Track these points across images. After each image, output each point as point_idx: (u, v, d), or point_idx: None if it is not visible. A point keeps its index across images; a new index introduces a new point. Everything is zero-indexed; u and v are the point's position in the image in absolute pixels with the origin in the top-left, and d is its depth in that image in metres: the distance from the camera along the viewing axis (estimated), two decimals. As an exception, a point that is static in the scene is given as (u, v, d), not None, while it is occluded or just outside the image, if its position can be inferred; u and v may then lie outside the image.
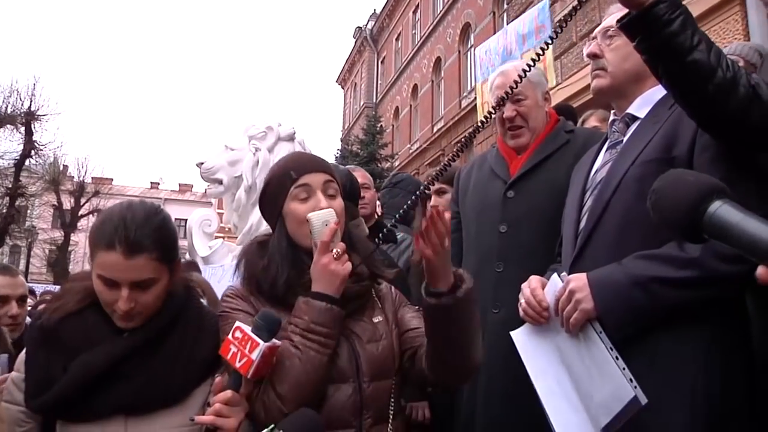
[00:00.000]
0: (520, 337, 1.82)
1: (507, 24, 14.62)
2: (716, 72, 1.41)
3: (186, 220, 4.99)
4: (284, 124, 4.45)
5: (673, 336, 1.52)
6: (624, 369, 1.47)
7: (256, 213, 4.09)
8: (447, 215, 1.48)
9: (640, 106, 1.80)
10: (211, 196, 4.58)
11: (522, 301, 1.79)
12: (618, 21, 1.51)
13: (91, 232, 1.54)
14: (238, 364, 1.35)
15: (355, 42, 30.65)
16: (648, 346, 1.53)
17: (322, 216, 1.56)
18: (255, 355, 1.34)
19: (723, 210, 0.89)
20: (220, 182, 4.42)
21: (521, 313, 1.79)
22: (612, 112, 1.92)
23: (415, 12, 24.05)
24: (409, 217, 3.46)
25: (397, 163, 23.29)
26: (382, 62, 28.52)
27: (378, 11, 28.25)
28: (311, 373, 1.48)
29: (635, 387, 1.44)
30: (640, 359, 1.51)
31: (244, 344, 1.36)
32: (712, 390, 1.47)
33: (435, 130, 20.79)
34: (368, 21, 29.17)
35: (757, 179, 1.49)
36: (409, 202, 2.25)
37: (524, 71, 2.05)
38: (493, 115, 2.23)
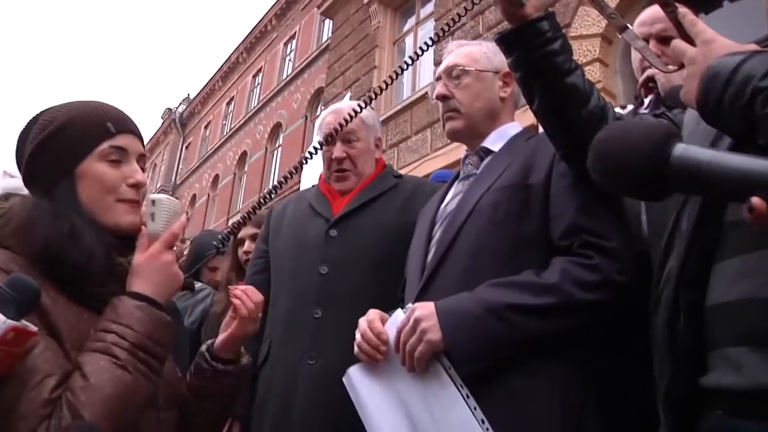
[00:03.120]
0: (352, 379, 1.55)
1: (316, 129, 15.26)
2: (590, 99, 1.40)
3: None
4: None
5: (528, 373, 1.39)
6: (475, 409, 1.29)
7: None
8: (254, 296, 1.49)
9: (495, 140, 1.74)
10: (-30, 225, 3.88)
11: (357, 335, 1.56)
12: (497, 34, 1.45)
13: None
14: None
15: (163, 123, 29.66)
16: (501, 385, 1.38)
17: (173, 203, 1.26)
18: None
19: (692, 150, 0.78)
20: (-13, 211, 3.79)
21: (355, 349, 1.55)
22: (465, 149, 1.84)
23: (229, 103, 23.96)
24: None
25: (186, 250, 22.30)
26: (186, 147, 27.76)
27: (192, 96, 27.87)
28: (138, 406, 1.10)
29: (487, 429, 1.26)
30: (492, 400, 1.34)
31: None
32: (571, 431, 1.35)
33: (230, 223, 20.27)
34: (180, 104, 28.58)
35: (611, 206, 1.48)
36: (215, 245, 1.99)
37: (359, 107, 1.93)
38: (312, 155, 2.07)
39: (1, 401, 1.01)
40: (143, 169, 1.32)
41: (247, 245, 2.82)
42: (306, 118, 17.28)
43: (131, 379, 1.07)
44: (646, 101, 1.91)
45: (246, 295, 1.47)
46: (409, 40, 11.24)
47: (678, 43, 1.06)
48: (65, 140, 1.25)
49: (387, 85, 1.85)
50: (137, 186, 1.27)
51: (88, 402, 1.02)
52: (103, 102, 1.35)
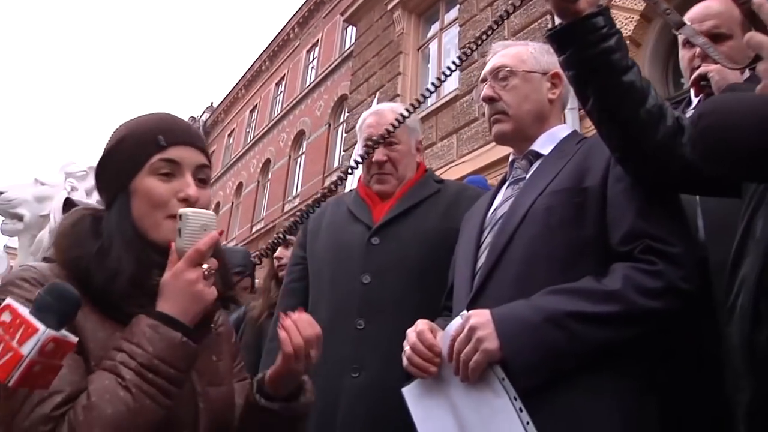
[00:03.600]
0: (412, 394, 1.51)
1: (339, 136, 15.41)
2: (648, 97, 1.34)
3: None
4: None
5: (586, 388, 1.31)
6: (528, 423, 1.24)
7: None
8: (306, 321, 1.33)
9: (545, 143, 1.69)
10: (5, 233, 3.88)
11: (406, 348, 1.50)
12: (548, 31, 1.41)
13: None
14: None
15: (186, 131, 29.92)
16: (556, 399, 1.31)
17: (203, 218, 1.16)
18: (27, 349, 0.84)
19: None
20: (21, 218, 3.79)
21: (405, 362, 1.50)
22: (512, 153, 1.79)
23: (252, 111, 24.10)
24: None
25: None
26: (211, 155, 27.99)
27: (215, 105, 28.02)
28: (140, 427, 1.02)
29: None
30: (547, 415, 1.28)
31: (12, 331, 0.85)
32: None
33: (254, 230, 20.37)
34: (203, 113, 28.75)
35: (672, 210, 1.42)
36: (253, 260, 1.94)
37: (402, 116, 1.90)
38: (360, 163, 2.04)
39: (2, 410, 1.00)
40: (206, 180, 1.27)
41: (280, 251, 2.79)
42: (329, 125, 17.32)
43: (133, 401, 1.02)
44: (695, 100, 1.85)
45: (296, 327, 1.30)
46: (433, 46, 11.20)
47: (755, 36, 1.00)
48: (121, 155, 1.24)
49: (430, 92, 1.82)
50: (188, 201, 1.21)
51: (86, 422, 0.98)
52: (165, 113, 1.33)
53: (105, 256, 1.14)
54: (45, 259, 1.21)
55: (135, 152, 1.22)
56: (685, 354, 1.43)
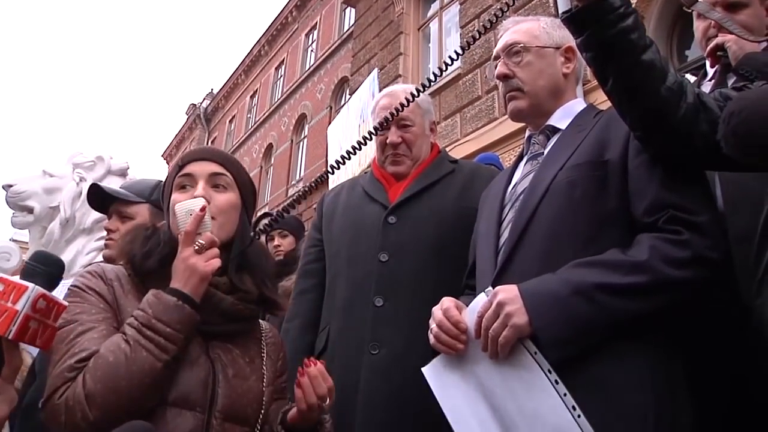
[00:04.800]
0: (433, 372, 1.51)
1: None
2: (668, 75, 1.33)
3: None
4: (116, 157, 3.96)
5: (614, 359, 1.31)
6: (565, 395, 1.24)
7: (71, 251, 3.53)
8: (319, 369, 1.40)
9: (561, 118, 1.68)
10: (16, 225, 3.88)
11: (433, 325, 1.51)
12: (563, 13, 1.39)
13: None
14: None
15: (188, 118, 29.81)
16: (585, 370, 1.31)
17: (187, 205, 1.40)
18: (21, 305, 0.98)
19: None
20: (31, 211, 3.79)
21: (432, 339, 1.51)
22: (527, 129, 1.79)
23: (252, 97, 24.01)
24: None
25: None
26: (212, 142, 27.84)
27: (215, 91, 27.94)
28: (136, 377, 1.22)
29: (579, 416, 1.21)
30: (577, 387, 1.28)
31: (7, 296, 0.98)
32: (664, 418, 1.27)
33: (258, 215, 20.41)
34: (203, 99, 28.66)
35: (695, 179, 1.41)
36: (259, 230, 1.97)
37: (412, 95, 1.88)
38: (368, 139, 2.02)
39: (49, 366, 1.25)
40: (223, 185, 1.51)
41: (277, 240, 2.80)
42: (330, 108, 17.25)
43: (130, 351, 1.23)
44: (711, 72, 1.83)
45: (311, 384, 1.36)
46: (433, 26, 11.10)
47: None
48: (165, 185, 1.59)
49: (442, 71, 1.81)
50: None
51: (93, 366, 1.21)
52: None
53: (150, 256, 1.44)
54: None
55: (169, 180, 1.56)
56: (709, 325, 1.42)
